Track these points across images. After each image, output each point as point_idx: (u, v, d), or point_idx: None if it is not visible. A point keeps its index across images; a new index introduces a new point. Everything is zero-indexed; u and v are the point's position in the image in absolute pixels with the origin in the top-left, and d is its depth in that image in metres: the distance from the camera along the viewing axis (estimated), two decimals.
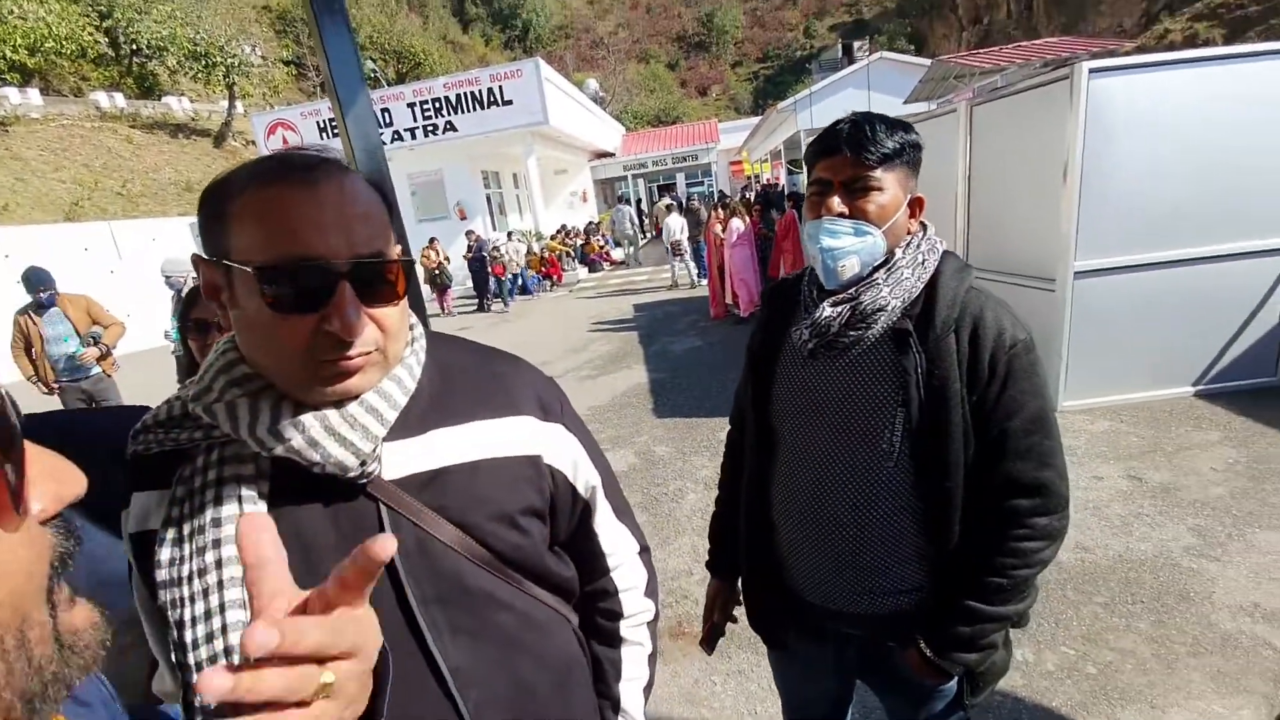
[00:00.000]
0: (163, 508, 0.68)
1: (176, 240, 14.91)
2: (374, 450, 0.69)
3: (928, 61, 15.82)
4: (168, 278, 5.95)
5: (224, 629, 0.63)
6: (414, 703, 0.69)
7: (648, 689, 0.96)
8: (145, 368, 7.73)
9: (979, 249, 5.13)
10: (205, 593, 0.64)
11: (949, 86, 12.92)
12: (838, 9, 61.45)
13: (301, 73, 34.46)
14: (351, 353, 0.66)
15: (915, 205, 1.11)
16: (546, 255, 15.76)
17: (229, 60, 24.52)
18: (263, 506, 0.67)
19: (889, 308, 1.06)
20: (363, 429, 0.68)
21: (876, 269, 1.10)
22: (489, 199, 18.29)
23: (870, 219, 1.05)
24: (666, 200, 16.43)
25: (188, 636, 0.64)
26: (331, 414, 0.67)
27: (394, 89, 16.50)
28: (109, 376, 5.20)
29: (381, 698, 0.50)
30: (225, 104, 26.17)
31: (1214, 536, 2.94)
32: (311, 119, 15.89)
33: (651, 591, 0.97)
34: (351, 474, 0.68)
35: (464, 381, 0.80)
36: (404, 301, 0.72)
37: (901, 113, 8.39)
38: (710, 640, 1.46)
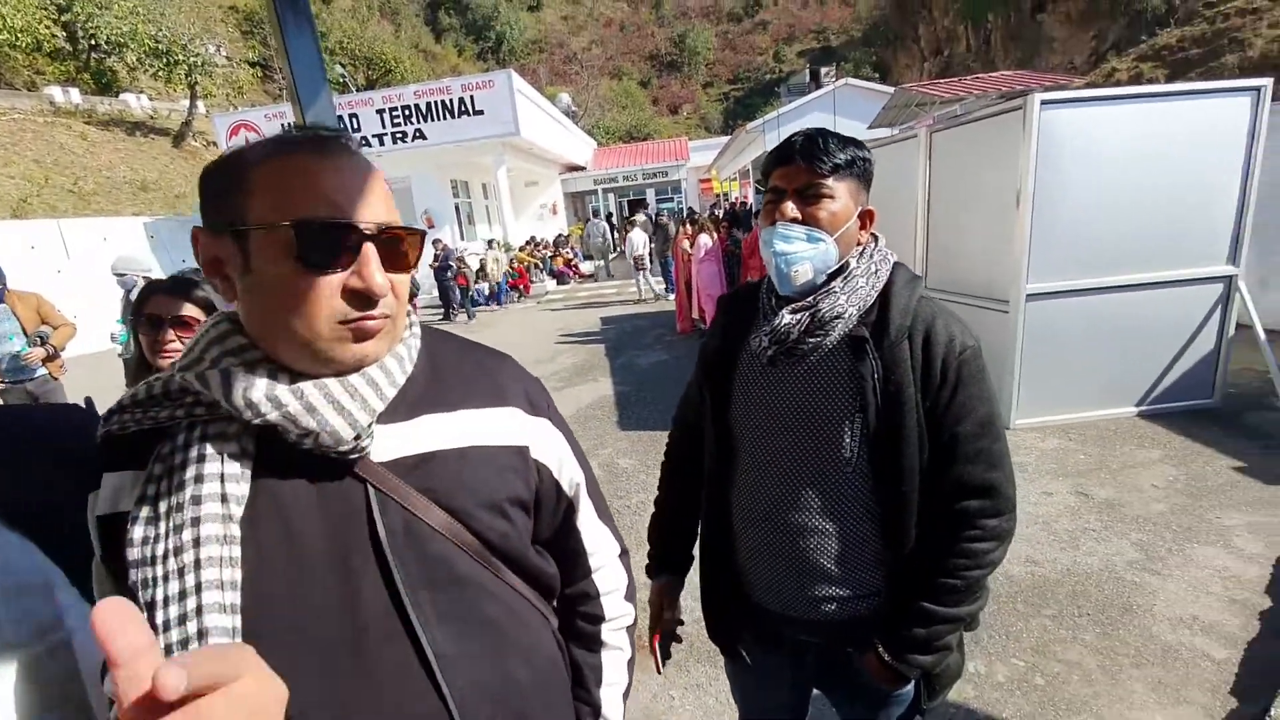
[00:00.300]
0: (138, 487, 0.66)
1: (129, 240, 14.39)
2: (369, 425, 0.69)
3: (891, 89, 16.37)
4: (120, 276, 5.72)
5: (199, 610, 0.60)
6: (398, 689, 0.68)
7: (626, 695, 0.96)
8: (92, 371, 7.40)
9: (937, 270, 5.28)
10: (180, 572, 0.61)
11: (911, 113, 13.36)
12: (806, 36, 63.03)
13: (268, 75, 33.80)
14: (375, 312, 0.68)
15: (866, 217, 1.15)
16: (515, 266, 15.70)
17: (192, 59, 23.87)
18: (246, 486, 0.66)
19: (846, 315, 1.09)
20: (361, 400, 0.68)
21: (833, 277, 1.12)
22: (458, 208, 18.15)
23: (822, 225, 1.09)
24: (640, 216, 16.54)
25: (158, 618, 0.61)
26: (331, 383, 0.68)
27: (363, 95, 16.32)
28: (56, 379, 4.96)
29: None
30: (186, 103, 25.49)
31: (1155, 551, 3.05)
32: (276, 121, 15.58)
33: (631, 595, 0.98)
34: (344, 447, 0.67)
35: (453, 372, 0.81)
36: (410, 274, 0.75)
37: (865, 137, 8.64)
38: (664, 648, 1.41)
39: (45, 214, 16.00)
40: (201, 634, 0.60)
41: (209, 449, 0.65)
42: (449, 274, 13.26)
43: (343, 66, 34.46)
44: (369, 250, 0.67)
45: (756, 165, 20.70)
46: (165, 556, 0.62)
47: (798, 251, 1.09)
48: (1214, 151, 4.18)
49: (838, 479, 1.12)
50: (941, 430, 1.08)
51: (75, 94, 23.25)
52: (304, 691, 0.63)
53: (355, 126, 14.98)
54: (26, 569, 0.85)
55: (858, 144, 1.12)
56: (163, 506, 0.64)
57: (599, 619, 0.93)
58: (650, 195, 28.81)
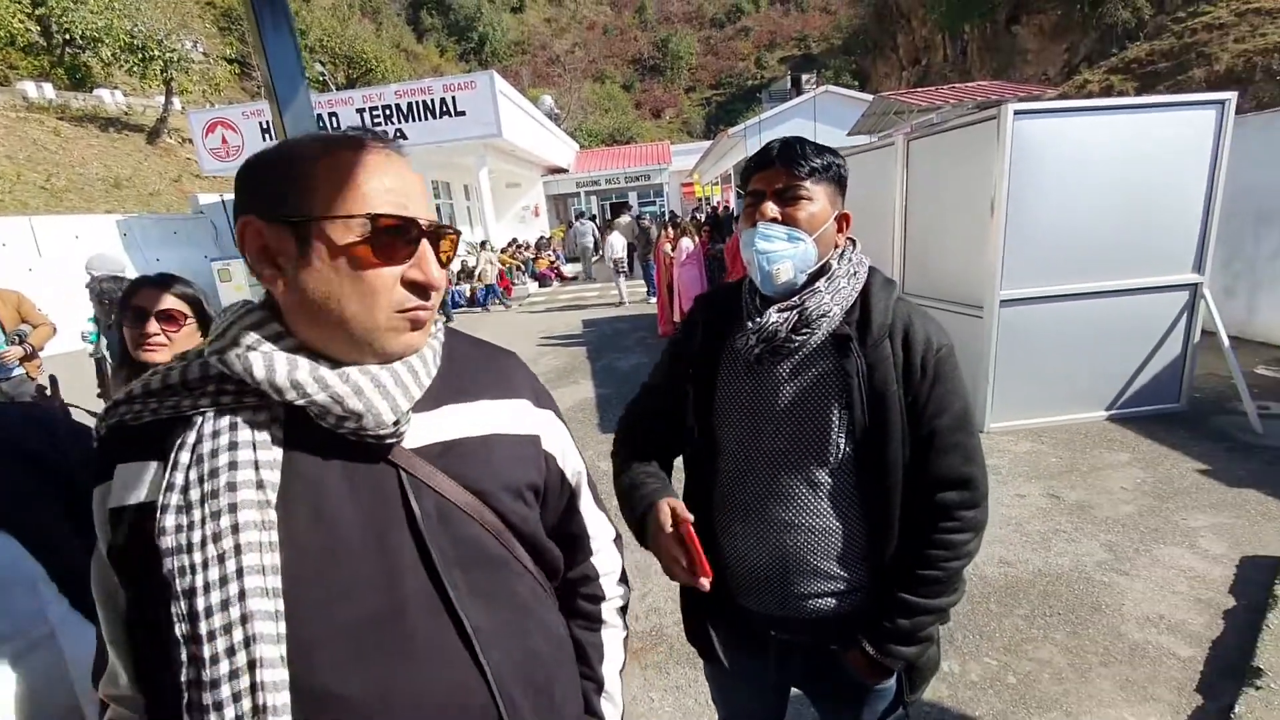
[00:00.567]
0: (159, 476, 0.66)
1: (102, 238, 14.08)
2: (407, 411, 0.72)
3: (870, 97, 16.56)
4: (98, 277, 5.63)
5: (242, 595, 0.62)
6: (439, 662, 0.71)
7: (622, 671, 1.00)
8: (64, 371, 7.20)
9: (914, 275, 5.36)
10: (221, 558, 0.62)
11: (889, 121, 13.54)
12: (788, 43, 63.62)
13: (245, 72, 33.30)
14: (428, 302, 0.73)
15: (842, 220, 1.18)
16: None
17: (168, 55, 23.38)
18: (278, 472, 0.67)
19: (831, 314, 1.13)
20: (403, 386, 0.72)
21: (816, 278, 1.16)
22: (439, 210, 18.03)
23: (801, 225, 1.12)
24: (624, 218, 16.56)
25: (199, 604, 0.61)
26: (374, 369, 0.71)
27: (343, 94, 16.16)
28: (32, 379, 4.85)
29: None
30: (161, 100, 25.01)
31: (1124, 552, 3.12)
32: (254, 119, 15.32)
33: (623, 578, 1.03)
34: (384, 431, 0.70)
35: (468, 365, 0.85)
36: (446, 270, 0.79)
37: (845, 144, 8.75)
38: (699, 577, 1.07)
39: (16, 211, 15.59)
40: (245, 618, 0.61)
41: (240, 435, 0.66)
42: None
43: (322, 65, 34.10)
44: (426, 245, 0.72)
45: (738, 170, 20.83)
46: (203, 543, 0.63)
47: (779, 250, 1.11)
48: (1181, 162, 4.30)
49: (823, 475, 1.14)
50: (921, 425, 1.12)
51: (49, 89, 22.72)
52: (347, 669, 0.65)
53: (335, 125, 14.77)
54: (8, 564, 0.84)
55: (832, 151, 1.16)
56: (194, 494, 0.64)
57: (600, 598, 0.97)
58: (632, 198, 28.87)
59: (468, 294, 14.76)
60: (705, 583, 1.06)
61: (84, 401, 2.35)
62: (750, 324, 1.17)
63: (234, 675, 0.60)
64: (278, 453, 0.68)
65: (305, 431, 0.69)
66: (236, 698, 0.60)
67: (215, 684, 0.60)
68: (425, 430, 0.76)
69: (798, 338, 1.13)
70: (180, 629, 0.62)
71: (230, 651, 0.61)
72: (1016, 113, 4.09)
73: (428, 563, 0.71)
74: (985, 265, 4.38)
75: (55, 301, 11.28)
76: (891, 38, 39.33)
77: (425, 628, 0.70)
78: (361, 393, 0.68)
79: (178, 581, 0.62)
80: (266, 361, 0.67)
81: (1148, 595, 2.80)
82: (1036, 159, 4.17)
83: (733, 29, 66.94)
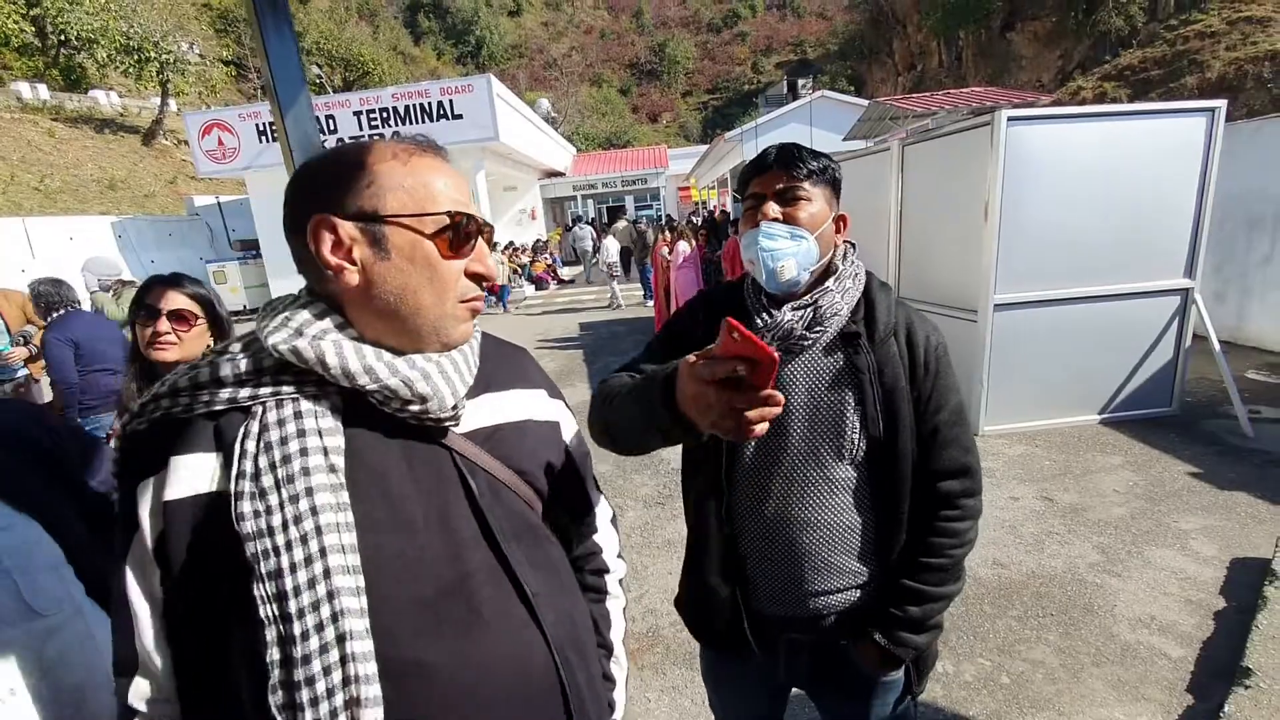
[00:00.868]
0: (222, 467, 0.69)
1: (96, 240, 14.05)
2: (464, 396, 0.79)
3: (866, 102, 16.64)
4: (98, 279, 5.63)
5: (327, 573, 0.66)
6: (505, 625, 0.77)
7: (623, 638, 1.08)
8: None
9: (909, 279, 5.39)
10: (303, 539, 0.66)
11: (884, 126, 13.62)
12: (784, 48, 63.92)
13: (241, 74, 33.32)
14: (483, 293, 0.80)
15: (840, 222, 1.21)
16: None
17: (164, 56, 23.34)
18: (343, 457, 0.71)
19: (842, 312, 1.16)
20: (460, 373, 0.79)
21: (825, 277, 1.19)
22: None
23: (802, 224, 1.14)
24: (621, 222, 16.58)
25: (287, 584, 0.65)
26: (435, 356, 0.77)
27: (340, 96, 16.11)
28: (36, 380, 4.85)
29: None
30: (157, 101, 24.95)
31: (1115, 553, 3.15)
32: (250, 121, 15.31)
33: (620, 554, 1.10)
34: (444, 414, 0.76)
35: (495, 359, 0.91)
36: None
37: (840, 148, 8.77)
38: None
39: (10, 212, 15.53)
40: (331, 595, 0.65)
41: (306, 423, 0.70)
42: None
43: (319, 67, 34.09)
44: (482, 241, 0.79)
45: (735, 174, 20.91)
46: (285, 526, 0.66)
47: (782, 248, 1.14)
48: (1172, 169, 4.35)
49: (840, 471, 1.17)
50: (925, 419, 1.17)
51: (43, 90, 22.69)
52: (425, 638, 0.70)
53: (332, 128, 14.80)
54: (35, 546, 0.86)
55: (826, 155, 1.19)
56: (266, 480, 0.67)
57: (605, 571, 1.05)
58: (629, 202, 28.91)
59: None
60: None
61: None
62: (760, 321, 1.17)
63: (324, 650, 0.65)
64: (341, 439, 0.71)
65: (363, 417, 0.74)
66: (328, 670, 0.64)
67: (307, 659, 0.64)
68: (471, 416, 0.82)
69: (811, 335, 1.15)
70: (268, 610, 0.65)
71: (319, 627, 0.65)
72: (1010, 119, 4.13)
73: (488, 536, 0.77)
74: (979, 270, 4.41)
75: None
76: (887, 43, 39.54)
77: (491, 596, 0.76)
78: (429, 377, 0.74)
79: (262, 564, 0.65)
80: (338, 350, 0.70)
81: (1139, 596, 2.82)
82: (1030, 165, 4.21)
83: (729, 34, 67.23)
